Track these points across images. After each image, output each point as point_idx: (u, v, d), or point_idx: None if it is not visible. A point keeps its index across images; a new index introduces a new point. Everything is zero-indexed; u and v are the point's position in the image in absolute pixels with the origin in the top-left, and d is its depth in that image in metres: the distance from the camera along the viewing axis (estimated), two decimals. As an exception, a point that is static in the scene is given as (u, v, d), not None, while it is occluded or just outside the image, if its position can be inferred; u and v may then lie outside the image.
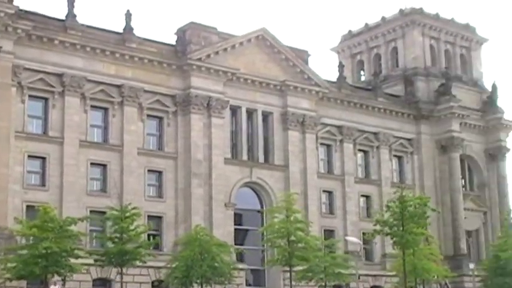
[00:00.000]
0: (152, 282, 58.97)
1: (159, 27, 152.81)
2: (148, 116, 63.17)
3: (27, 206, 54.79)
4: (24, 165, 56.18)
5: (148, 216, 60.51)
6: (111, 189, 59.06)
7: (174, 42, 66.80)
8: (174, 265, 53.01)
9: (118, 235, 50.30)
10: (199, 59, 64.64)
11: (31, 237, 47.37)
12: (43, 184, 57.16)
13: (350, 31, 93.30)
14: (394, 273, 61.92)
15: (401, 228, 50.94)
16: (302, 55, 72.59)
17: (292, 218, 54.96)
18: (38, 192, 56.23)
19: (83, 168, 58.58)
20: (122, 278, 51.64)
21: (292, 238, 54.84)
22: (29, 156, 56.65)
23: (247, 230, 67.48)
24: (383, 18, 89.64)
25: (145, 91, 62.71)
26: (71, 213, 52.54)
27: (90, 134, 60.36)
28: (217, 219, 62.90)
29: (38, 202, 52.32)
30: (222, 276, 53.73)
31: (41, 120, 58.47)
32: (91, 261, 52.24)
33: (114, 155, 60.54)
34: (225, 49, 66.74)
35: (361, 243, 68.95)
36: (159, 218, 61.96)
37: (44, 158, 57.42)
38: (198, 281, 52.84)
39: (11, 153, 54.58)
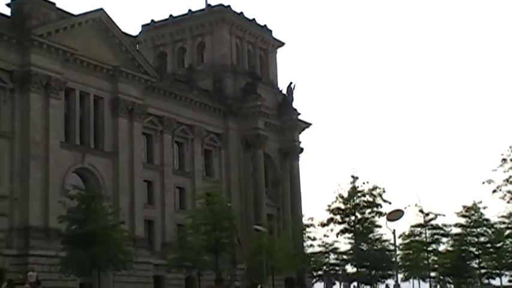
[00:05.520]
0: None
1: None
2: (-16, 91, 58.59)
3: None
4: None
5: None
6: None
7: (8, 13, 62.36)
8: None
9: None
10: (41, 36, 61.02)
11: None
12: None
13: (153, 21, 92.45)
14: None
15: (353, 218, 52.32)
16: (134, 42, 71.23)
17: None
18: None
19: None
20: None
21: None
22: None
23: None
24: (190, 12, 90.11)
25: (-17, 64, 58.15)
26: None
27: None
28: (53, 205, 59.68)
29: None
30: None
31: None
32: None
33: None
34: (65, 28, 63.67)
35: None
36: (-6, 202, 57.73)
37: None
38: None
39: None
